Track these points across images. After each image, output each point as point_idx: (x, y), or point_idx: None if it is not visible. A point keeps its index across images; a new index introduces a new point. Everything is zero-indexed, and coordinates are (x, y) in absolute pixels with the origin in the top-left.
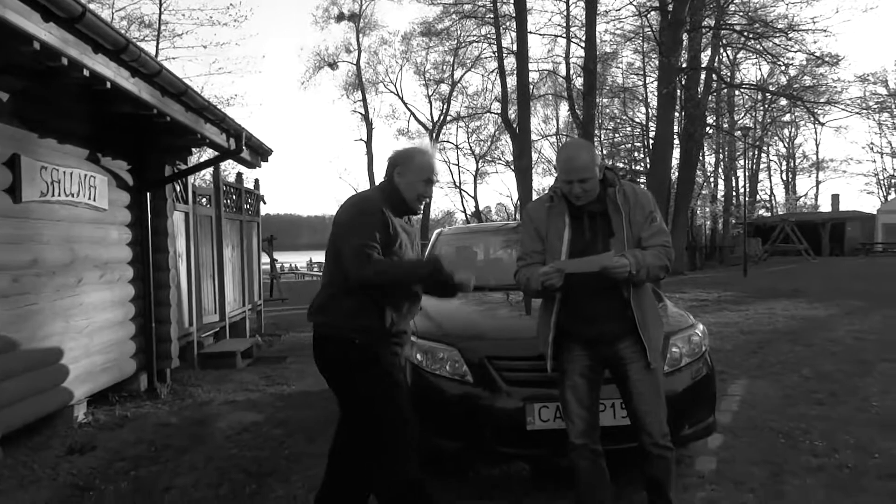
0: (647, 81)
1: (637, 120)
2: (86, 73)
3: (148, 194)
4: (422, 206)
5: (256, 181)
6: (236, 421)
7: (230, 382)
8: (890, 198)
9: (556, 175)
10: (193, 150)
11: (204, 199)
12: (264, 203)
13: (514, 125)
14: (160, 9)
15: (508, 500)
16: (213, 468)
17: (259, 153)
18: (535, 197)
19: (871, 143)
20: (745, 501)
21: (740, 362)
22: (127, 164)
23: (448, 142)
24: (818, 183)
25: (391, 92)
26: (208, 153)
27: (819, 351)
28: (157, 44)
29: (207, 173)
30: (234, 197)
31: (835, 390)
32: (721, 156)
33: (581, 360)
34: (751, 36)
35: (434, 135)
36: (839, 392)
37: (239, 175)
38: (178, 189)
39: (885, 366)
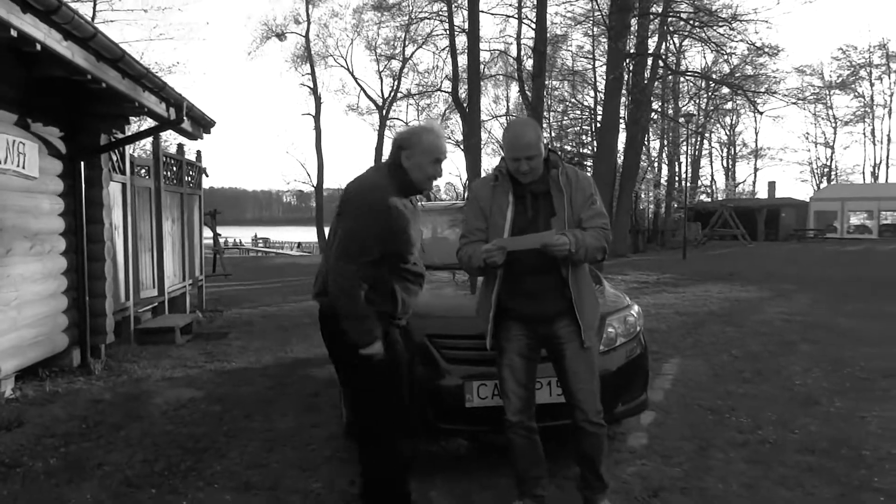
0: (595, 65)
1: (585, 103)
2: (13, 33)
3: (82, 163)
4: (432, 186)
5: (198, 153)
6: (173, 397)
7: (168, 359)
8: (822, 186)
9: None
10: (132, 119)
11: (143, 171)
12: (206, 175)
13: (465, 104)
14: None
15: (449, 476)
16: (149, 444)
17: (201, 124)
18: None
19: (807, 134)
20: (673, 475)
21: (675, 342)
22: (59, 131)
23: (398, 119)
24: (756, 170)
25: (341, 66)
26: (148, 123)
27: (749, 332)
28: (95, 5)
29: (147, 144)
30: (174, 169)
31: (760, 369)
32: (665, 142)
33: (519, 339)
34: (696, 24)
35: (384, 112)
36: (764, 371)
37: (180, 146)
38: (114, 159)
39: (807, 346)
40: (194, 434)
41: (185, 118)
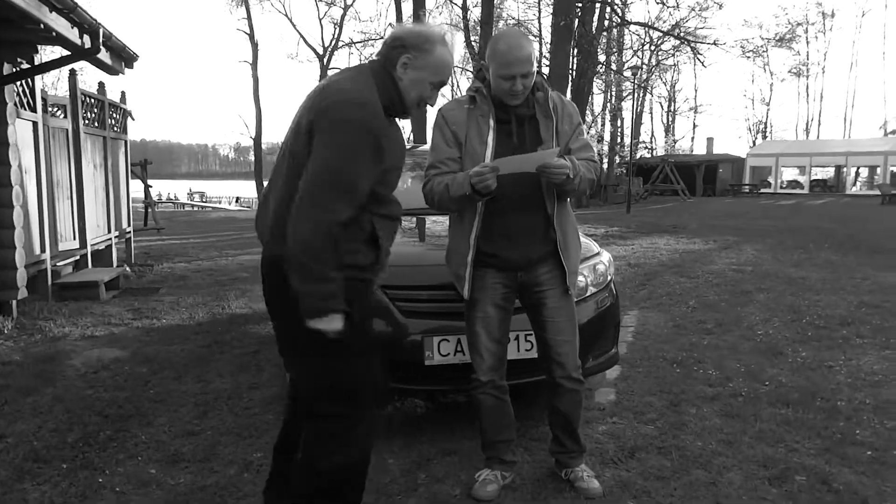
0: (541, 16)
1: None
2: None
3: None
4: (415, 113)
5: (123, 94)
6: (94, 358)
7: (90, 316)
8: (758, 142)
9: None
10: (40, 47)
11: (58, 110)
12: (132, 119)
13: None
14: None
15: (408, 441)
16: (62, 412)
17: (122, 57)
18: (429, 129)
19: (745, 91)
20: (647, 433)
21: (631, 294)
22: None
23: (339, 68)
24: (694, 127)
25: (279, 11)
26: (59, 53)
27: (702, 283)
28: None
29: (64, 82)
30: (96, 110)
31: (721, 320)
32: (609, 96)
33: (495, 288)
34: None
35: (325, 61)
36: (725, 321)
37: (101, 85)
38: (21, 93)
39: (763, 296)
40: (116, 399)
41: (101, 47)
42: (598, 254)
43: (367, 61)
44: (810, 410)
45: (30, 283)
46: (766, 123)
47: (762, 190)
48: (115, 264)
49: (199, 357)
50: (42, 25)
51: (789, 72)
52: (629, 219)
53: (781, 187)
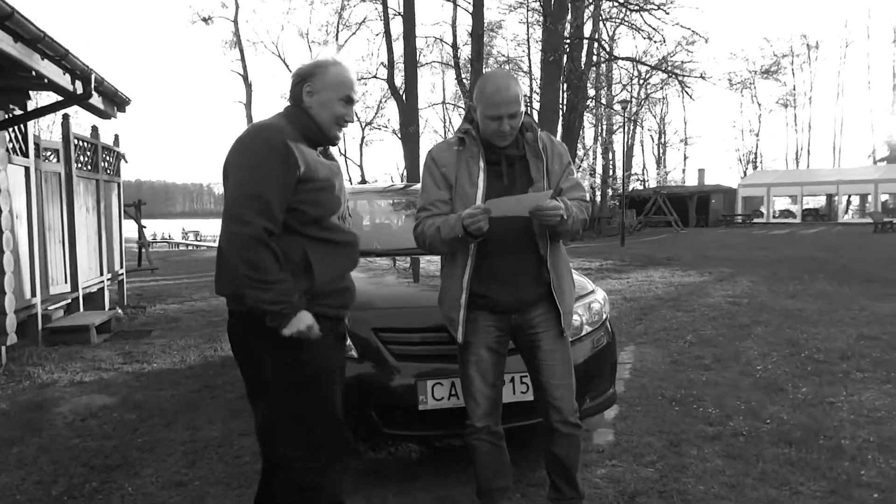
0: (530, 53)
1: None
2: None
3: None
4: (341, 134)
5: (116, 137)
6: (82, 405)
7: (80, 361)
8: (749, 172)
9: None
10: (33, 94)
11: (51, 154)
12: (125, 161)
13: (401, 92)
14: None
15: (402, 488)
16: (47, 463)
17: (114, 101)
18: (422, 165)
19: (734, 122)
20: (648, 476)
21: (627, 329)
22: None
23: None
24: (685, 158)
25: (272, 53)
26: (52, 98)
27: (699, 316)
28: None
29: (58, 127)
30: (89, 153)
31: (719, 355)
32: (599, 129)
33: (488, 331)
34: (630, 8)
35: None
36: (723, 357)
37: (94, 128)
38: (14, 139)
39: (761, 329)
40: (103, 448)
41: (93, 92)
42: (592, 292)
43: (285, 107)
44: (814, 450)
45: (20, 328)
46: (756, 153)
47: (755, 220)
48: (107, 307)
49: (189, 402)
50: (34, 73)
51: (777, 102)
52: (623, 251)
53: (774, 217)
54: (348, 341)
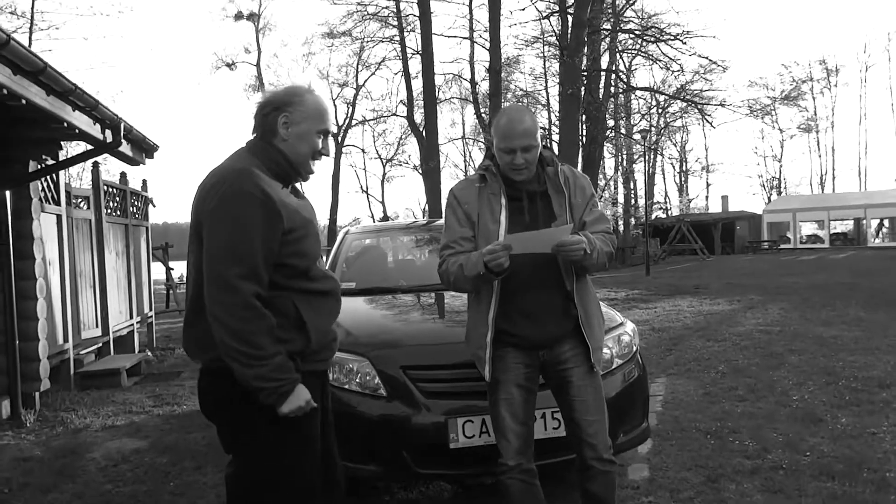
0: (548, 86)
1: (540, 124)
2: None
3: (7, 193)
4: (313, 168)
5: (144, 182)
6: (114, 450)
7: (112, 404)
8: (773, 198)
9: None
10: (64, 143)
11: (81, 201)
12: (153, 206)
13: (421, 128)
14: None
15: None
16: None
17: (143, 148)
18: (444, 201)
19: (755, 148)
20: None
21: (657, 360)
22: None
23: (354, 146)
24: (708, 185)
25: None
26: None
27: (730, 346)
28: (31, 35)
29: (88, 173)
30: (118, 199)
31: (753, 385)
32: (620, 159)
33: (517, 368)
34: (647, 40)
35: (339, 138)
36: (757, 387)
37: (123, 174)
38: (46, 188)
39: (795, 358)
40: (136, 493)
41: (122, 141)
42: (621, 324)
43: (249, 141)
44: (857, 483)
45: (53, 373)
46: (779, 179)
47: (781, 246)
48: (136, 349)
49: (218, 445)
50: (66, 123)
51: (798, 128)
52: (649, 281)
53: (801, 242)
54: (377, 379)
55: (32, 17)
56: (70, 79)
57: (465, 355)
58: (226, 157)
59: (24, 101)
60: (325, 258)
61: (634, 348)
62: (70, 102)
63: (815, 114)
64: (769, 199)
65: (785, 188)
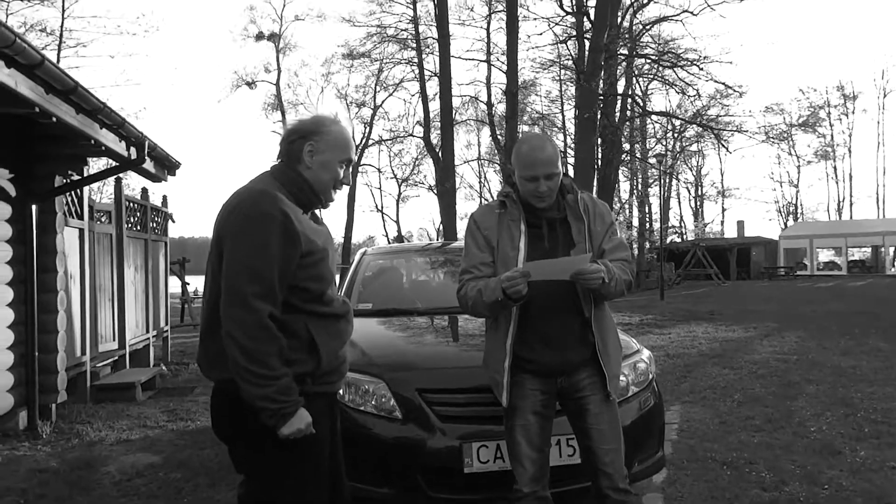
0: (564, 109)
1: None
2: None
3: (34, 207)
4: (334, 197)
5: (164, 198)
6: (128, 464)
7: (126, 418)
8: (790, 224)
9: (479, 199)
10: (89, 159)
11: (103, 216)
12: (173, 221)
13: (437, 149)
14: (63, 14)
15: None
16: None
17: (165, 166)
18: (458, 222)
19: (771, 173)
20: None
21: (672, 388)
22: (8, 172)
23: (370, 165)
24: (723, 210)
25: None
26: (106, 163)
27: (746, 374)
28: (59, 52)
29: (110, 189)
30: (138, 214)
31: (770, 415)
32: (635, 182)
33: (534, 394)
34: (663, 65)
35: (356, 157)
36: (774, 417)
37: (144, 190)
38: (71, 202)
39: (812, 388)
40: None
41: (146, 158)
42: (637, 351)
43: (271, 167)
44: None
45: (70, 385)
46: (796, 205)
47: (798, 272)
48: (152, 363)
49: (230, 463)
50: (92, 141)
51: (815, 154)
52: (663, 306)
53: (818, 269)
54: (392, 401)
55: (61, 34)
56: (98, 97)
57: (481, 379)
58: (248, 176)
59: (54, 119)
60: (339, 276)
61: (651, 376)
62: (98, 120)
63: (833, 140)
64: (785, 224)
65: (801, 214)
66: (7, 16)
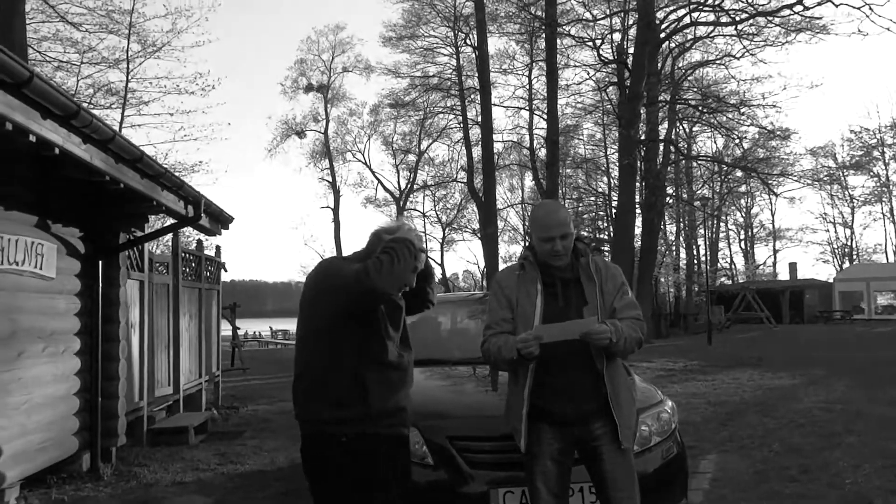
0: (608, 152)
1: (600, 190)
2: (32, 138)
3: (101, 262)
4: (406, 286)
5: (217, 248)
6: None
7: (180, 461)
8: (845, 266)
9: (523, 241)
10: (150, 217)
11: (161, 267)
12: (225, 271)
13: (480, 194)
14: (127, 77)
15: None
16: None
17: (219, 220)
18: (501, 264)
19: (824, 214)
20: None
21: (710, 436)
22: (79, 230)
23: (415, 210)
24: (775, 252)
25: (359, 161)
26: (166, 220)
27: (787, 423)
28: (123, 111)
29: (168, 240)
30: (193, 265)
31: (806, 465)
32: (682, 225)
33: (552, 443)
34: (705, 110)
35: (401, 203)
36: (810, 467)
37: (199, 242)
38: (133, 256)
39: (853, 438)
40: None
41: (202, 215)
42: (661, 402)
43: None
44: None
45: (128, 429)
46: (851, 246)
47: (855, 316)
48: (204, 407)
49: None
50: (154, 202)
51: (870, 194)
52: (710, 351)
53: (877, 313)
54: (424, 448)
55: (126, 95)
56: (160, 163)
57: (507, 428)
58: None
59: (122, 185)
60: None
61: (673, 426)
62: (160, 184)
63: (889, 179)
64: (840, 267)
65: (858, 256)
66: (78, 80)
